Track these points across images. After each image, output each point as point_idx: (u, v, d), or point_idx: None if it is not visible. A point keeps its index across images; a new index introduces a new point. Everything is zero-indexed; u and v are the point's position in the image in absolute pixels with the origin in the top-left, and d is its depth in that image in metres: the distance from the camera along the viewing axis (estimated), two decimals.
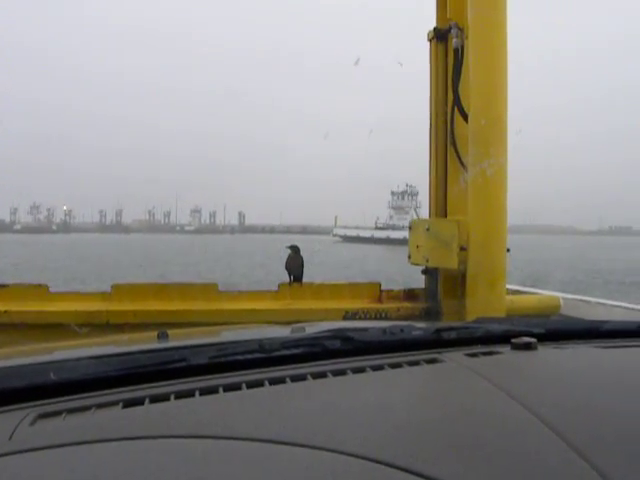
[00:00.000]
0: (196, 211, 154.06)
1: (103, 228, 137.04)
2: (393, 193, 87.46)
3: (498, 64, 3.12)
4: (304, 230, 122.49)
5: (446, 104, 3.53)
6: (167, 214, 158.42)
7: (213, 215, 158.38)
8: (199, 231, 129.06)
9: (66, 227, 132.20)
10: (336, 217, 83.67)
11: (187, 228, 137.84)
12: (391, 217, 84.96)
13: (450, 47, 3.47)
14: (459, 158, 3.42)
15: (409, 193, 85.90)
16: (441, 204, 3.58)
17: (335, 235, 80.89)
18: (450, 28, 3.43)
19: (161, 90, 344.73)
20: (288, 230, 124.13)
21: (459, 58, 3.38)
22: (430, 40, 3.63)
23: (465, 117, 3.30)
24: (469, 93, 3.19)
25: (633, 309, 3.26)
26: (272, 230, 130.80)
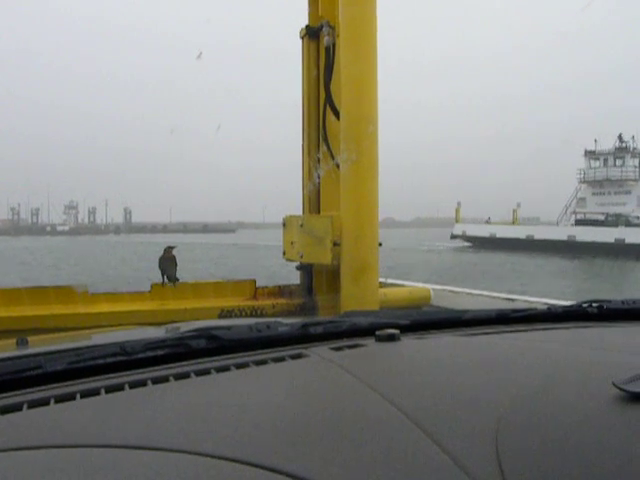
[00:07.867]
0: (71, 207, 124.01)
1: None
2: (592, 155, 42.59)
3: (368, 62, 3.19)
4: (205, 229, 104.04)
5: (318, 101, 3.57)
6: (35, 212, 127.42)
7: (93, 212, 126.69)
8: (76, 232, 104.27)
9: None
10: (458, 205, 47.66)
11: (60, 228, 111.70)
12: (582, 200, 42.90)
13: (322, 45, 3.52)
14: (331, 154, 3.48)
15: (631, 151, 41.61)
16: (314, 200, 3.62)
17: (456, 236, 46.43)
18: (322, 26, 3.48)
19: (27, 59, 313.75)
20: (185, 229, 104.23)
21: (330, 56, 3.44)
22: (302, 37, 3.66)
23: (337, 114, 3.35)
24: (341, 90, 3.24)
25: (496, 297, 3.48)
26: (165, 229, 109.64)
